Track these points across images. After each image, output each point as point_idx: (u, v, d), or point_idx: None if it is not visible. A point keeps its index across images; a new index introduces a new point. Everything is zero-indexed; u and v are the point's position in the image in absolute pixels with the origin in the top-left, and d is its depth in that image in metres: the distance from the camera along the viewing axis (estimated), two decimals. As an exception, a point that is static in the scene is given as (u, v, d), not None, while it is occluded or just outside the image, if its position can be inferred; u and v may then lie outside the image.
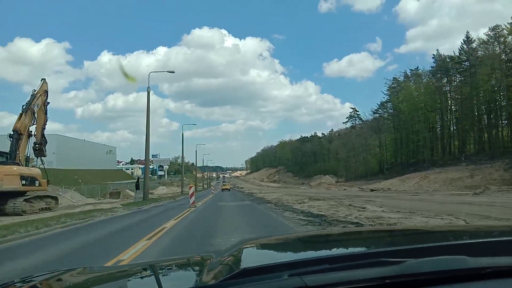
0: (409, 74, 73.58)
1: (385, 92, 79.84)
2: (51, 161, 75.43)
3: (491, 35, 50.03)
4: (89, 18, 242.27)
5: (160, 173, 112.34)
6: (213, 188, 64.39)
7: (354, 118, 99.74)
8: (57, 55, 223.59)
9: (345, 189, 54.68)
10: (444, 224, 8.06)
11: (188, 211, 16.19)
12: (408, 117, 69.46)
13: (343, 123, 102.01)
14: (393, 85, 76.97)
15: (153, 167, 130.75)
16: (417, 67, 71.82)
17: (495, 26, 49.50)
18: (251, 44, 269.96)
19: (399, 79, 75.65)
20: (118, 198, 35.31)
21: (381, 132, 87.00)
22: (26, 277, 1.43)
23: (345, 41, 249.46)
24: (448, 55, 62.08)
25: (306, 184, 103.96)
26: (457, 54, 58.95)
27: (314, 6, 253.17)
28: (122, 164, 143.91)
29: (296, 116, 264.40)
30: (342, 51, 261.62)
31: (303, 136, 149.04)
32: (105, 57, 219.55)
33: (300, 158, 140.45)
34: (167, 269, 1.56)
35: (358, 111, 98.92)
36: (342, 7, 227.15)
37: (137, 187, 26.77)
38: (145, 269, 1.56)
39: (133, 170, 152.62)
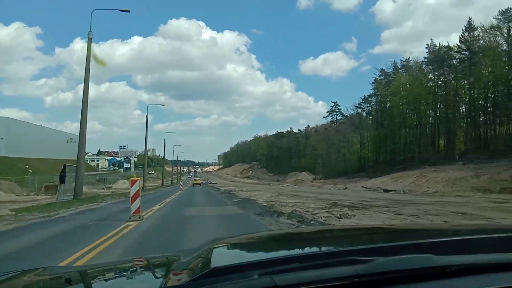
0: (399, 65, 66.67)
1: (372, 84, 72.80)
2: (-2, 147, 64.46)
3: (501, 18, 43.25)
4: (62, 3, 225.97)
5: (126, 165, 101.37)
6: (181, 183, 53.48)
7: (335, 113, 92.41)
8: (27, 40, 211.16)
9: (346, 188, 46.51)
10: (412, 223, 7.88)
11: (117, 233, 7.47)
12: (397, 112, 62.62)
13: (324, 117, 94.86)
14: (380, 78, 70.11)
15: (120, 159, 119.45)
16: (408, 58, 64.96)
17: (507, 9, 42.74)
18: (229, 38, 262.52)
19: (388, 71, 68.74)
20: (56, 193, 25.82)
21: (362, 128, 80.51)
22: None
23: (322, 40, 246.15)
24: (444, 45, 55.33)
25: (281, 181, 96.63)
26: (457, 43, 52.19)
27: (293, 2, 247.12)
28: (88, 156, 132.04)
29: (270, 113, 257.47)
30: (318, 49, 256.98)
31: (279, 131, 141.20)
32: (78, 45, 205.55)
33: (275, 154, 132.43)
34: (131, 270, 1.44)
35: (339, 105, 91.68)
36: (321, 5, 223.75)
37: (62, 180, 17.14)
38: (108, 270, 1.45)
39: (98, 162, 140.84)
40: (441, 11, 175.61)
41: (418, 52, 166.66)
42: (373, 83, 75.32)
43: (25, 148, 66.42)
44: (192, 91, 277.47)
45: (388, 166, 63.32)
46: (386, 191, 34.40)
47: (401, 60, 66.96)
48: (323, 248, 1.38)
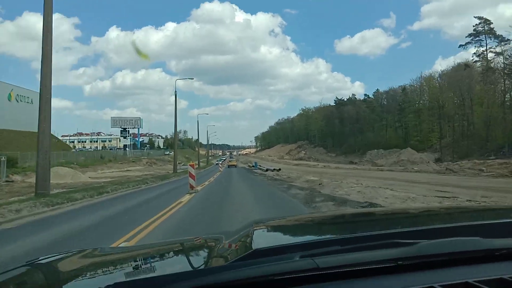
0: None
1: None
2: None
3: None
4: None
5: (124, 142, 59.12)
6: (220, 165, 35.64)
7: (482, 37, 46.07)
8: (66, 30, 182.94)
9: None
10: (457, 205, 6.70)
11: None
12: None
13: (460, 46, 49.07)
14: None
15: (141, 139, 77.90)
16: None
17: None
18: (263, 20, 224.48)
19: None
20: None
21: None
22: (34, 259, 1.21)
23: (358, 17, 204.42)
24: None
25: (362, 163, 53.12)
26: None
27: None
28: (99, 136, 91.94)
29: (304, 95, 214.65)
30: (355, 27, 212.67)
31: (339, 98, 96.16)
32: (113, 33, 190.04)
33: (338, 128, 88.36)
34: (177, 250, 1.39)
35: (490, 22, 45.46)
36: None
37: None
38: (154, 251, 1.40)
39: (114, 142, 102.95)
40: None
41: (459, 27, 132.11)
42: None
43: None
44: (226, 75, 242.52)
45: None
46: None
47: None
48: (365, 231, 1.23)
